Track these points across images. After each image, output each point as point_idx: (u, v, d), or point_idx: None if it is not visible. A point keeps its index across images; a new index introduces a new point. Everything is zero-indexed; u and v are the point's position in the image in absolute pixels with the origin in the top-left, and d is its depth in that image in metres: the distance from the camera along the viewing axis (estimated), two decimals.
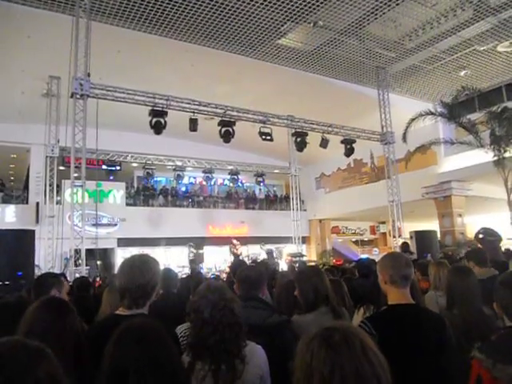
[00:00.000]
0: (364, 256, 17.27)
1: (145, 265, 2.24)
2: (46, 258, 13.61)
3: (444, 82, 15.63)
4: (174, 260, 17.77)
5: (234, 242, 17.10)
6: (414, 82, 15.81)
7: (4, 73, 12.44)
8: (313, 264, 13.17)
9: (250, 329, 2.16)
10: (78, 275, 9.02)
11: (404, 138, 14.17)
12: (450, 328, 2.24)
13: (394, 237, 15.16)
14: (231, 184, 19.77)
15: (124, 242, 17.04)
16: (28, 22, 10.66)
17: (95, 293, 5.50)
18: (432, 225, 17.27)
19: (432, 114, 14.07)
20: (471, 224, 18.31)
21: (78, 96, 9.84)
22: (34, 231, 9.26)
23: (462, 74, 14.95)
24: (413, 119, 14.07)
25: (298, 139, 13.77)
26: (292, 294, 3.13)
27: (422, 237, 13.71)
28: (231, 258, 17.15)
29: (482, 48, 13.31)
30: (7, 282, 7.96)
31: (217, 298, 2.06)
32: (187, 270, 15.48)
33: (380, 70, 14.75)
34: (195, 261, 16.01)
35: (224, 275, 11.18)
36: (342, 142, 14.57)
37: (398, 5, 10.91)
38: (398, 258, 2.36)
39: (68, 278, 7.66)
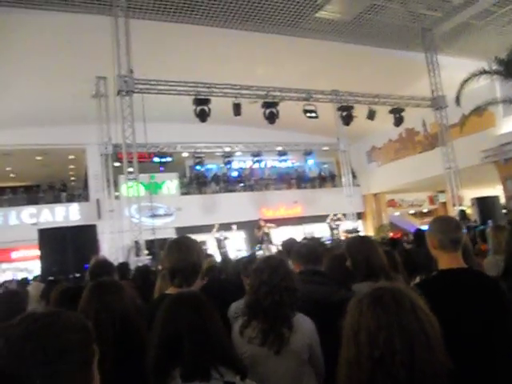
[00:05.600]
0: (425, 228, 16.70)
1: (191, 245, 2.35)
2: (109, 251, 14.31)
3: (497, 37, 14.53)
4: (230, 245, 18.12)
5: (262, 223, 16.53)
6: (464, 41, 14.81)
7: (54, 79, 13.00)
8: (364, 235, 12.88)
9: (315, 305, 2.22)
10: (140, 264, 9.45)
11: (457, 101, 13.42)
12: (507, 293, 2.12)
13: (454, 205, 14.56)
14: (281, 165, 19.73)
15: (182, 231, 17.49)
16: (69, 27, 11.04)
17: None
18: (495, 190, 16.39)
19: (487, 72, 13.21)
20: None
21: (123, 93, 10.18)
22: (95, 226, 9.79)
23: None
24: (466, 80, 13.26)
25: (344, 113, 13.48)
26: (344, 266, 3.11)
27: (483, 203, 13.11)
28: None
29: None
30: (78, 275, 8.51)
31: (277, 263, 2.18)
32: (244, 253, 15.70)
33: (426, 32, 13.98)
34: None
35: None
36: (390, 111, 14.10)
37: None
38: (446, 222, 2.26)
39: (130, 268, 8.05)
